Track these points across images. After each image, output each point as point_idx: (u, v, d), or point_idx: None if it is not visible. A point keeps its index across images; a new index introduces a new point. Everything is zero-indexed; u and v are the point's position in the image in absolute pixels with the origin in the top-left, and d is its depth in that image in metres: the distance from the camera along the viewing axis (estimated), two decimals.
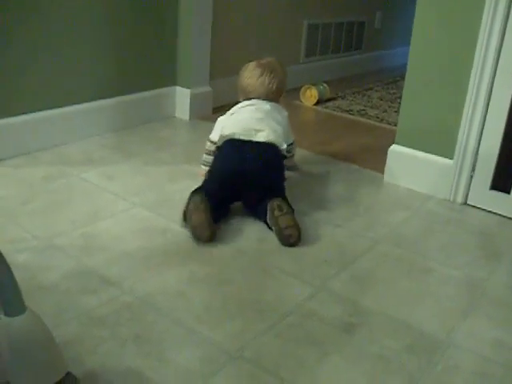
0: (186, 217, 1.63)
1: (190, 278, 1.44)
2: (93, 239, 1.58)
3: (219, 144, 1.88)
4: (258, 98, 1.99)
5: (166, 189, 1.94)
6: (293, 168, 2.16)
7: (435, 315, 1.39)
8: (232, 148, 1.82)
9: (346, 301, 1.41)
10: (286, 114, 2.01)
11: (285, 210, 1.65)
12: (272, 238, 1.67)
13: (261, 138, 1.82)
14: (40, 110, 2.16)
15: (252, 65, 2.08)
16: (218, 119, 2.01)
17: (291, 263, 1.55)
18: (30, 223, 1.65)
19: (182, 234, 1.65)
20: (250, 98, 2.01)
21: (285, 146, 1.88)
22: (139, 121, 2.54)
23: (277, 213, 1.65)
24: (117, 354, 1.16)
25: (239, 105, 2.01)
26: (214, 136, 1.94)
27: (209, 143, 1.98)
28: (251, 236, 1.68)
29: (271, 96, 2.01)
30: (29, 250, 1.51)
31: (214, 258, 1.54)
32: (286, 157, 1.93)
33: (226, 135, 1.84)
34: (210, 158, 1.93)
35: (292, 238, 1.64)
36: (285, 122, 1.97)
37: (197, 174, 2.00)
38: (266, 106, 1.95)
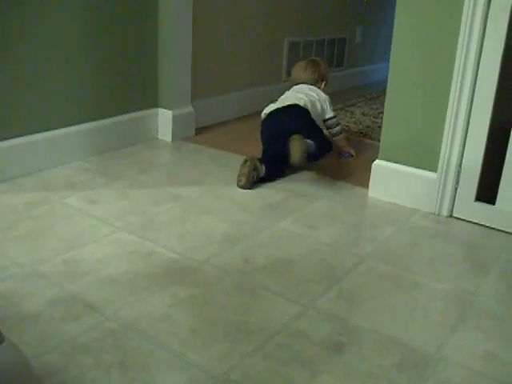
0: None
1: (174, 301, 1.42)
2: (76, 265, 1.56)
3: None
4: (302, 83, 2.59)
5: (150, 212, 1.92)
6: (345, 153, 2.62)
7: (425, 330, 1.38)
8: (269, 115, 2.42)
9: (335, 319, 1.39)
10: (324, 96, 2.56)
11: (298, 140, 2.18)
12: (257, 257, 1.65)
13: (288, 102, 2.40)
14: (22, 135, 2.14)
15: (300, 61, 2.75)
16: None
17: (277, 282, 1.54)
18: (12, 250, 1.62)
19: (166, 256, 1.63)
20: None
21: (315, 117, 2.42)
22: (122, 144, 2.53)
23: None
24: (102, 381, 1.14)
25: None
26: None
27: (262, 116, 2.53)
28: (236, 256, 1.66)
29: (311, 82, 2.61)
30: (11, 278, 1.48)
31: (199, 280, 1.52)
32: (328, 128, 2.57)
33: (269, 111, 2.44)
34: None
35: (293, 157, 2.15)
36: (321, 100, 2.52)
37: (180, 196, 1.98)
38: (306, 88, 2.54)
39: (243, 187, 2.15)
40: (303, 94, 2.47)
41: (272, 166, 2.25)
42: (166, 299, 1.42)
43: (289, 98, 2.46)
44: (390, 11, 4.42)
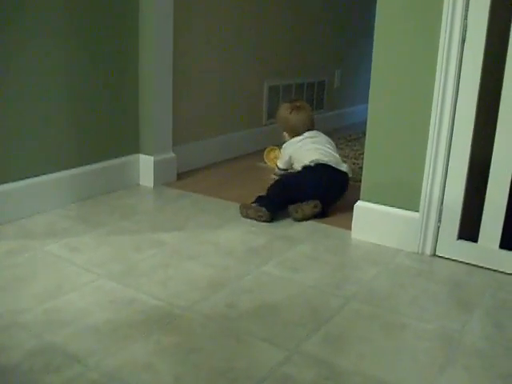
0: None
1: (157, 349, 1.39)
2: (57, 314, 1.53)
3: (298, 167, 2.55)
4: (309, 130, 2.67)
5: (132, 258, 1.90)
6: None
7: (413, 371, 1.36)
8: (324, 168, 2.44)
9: (321, 363, 1.37)
10: None
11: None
12: (241, 302, 1.63)
13: (343, 168, 2.47)
14: (1, 183, 2.12)
15: (289, 106, 2.75)
16: (285, 151, 2.70)
17: (262, 327, 1.52)
18: None
19: (148, 303, 1.60)
20: (299, 133, 2.66)
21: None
22: (103, 190, 2.52)
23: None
24: None
25: (299, 138, 2.64)
26: (284, 164, 2.72)
27: (278, 171, 2.77)
28: (220, 302, 1.64)
29: (314, 127, 2.72)
30: None
31: (183, 327, 1.50)
32: None
33: (312, 160, 2.46)
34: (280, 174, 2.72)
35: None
36: None
37: (162, 242, 1.96)
38: (321, 135, 2.66)
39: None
40: (332, 150, 2.56)
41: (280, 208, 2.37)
42: (148, 347, 1.39)
43: (325, 151, 2.52)
44: (367, 55, 4.51)
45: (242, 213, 2.34)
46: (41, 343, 1.40)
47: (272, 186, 2.43)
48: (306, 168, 2.49)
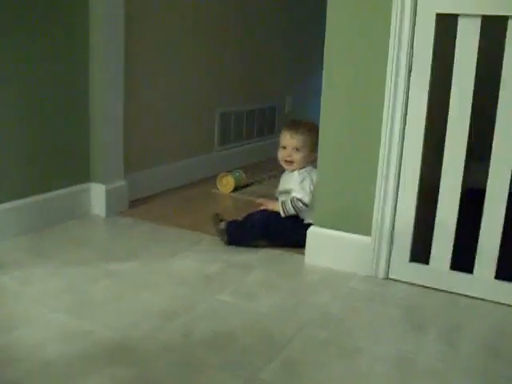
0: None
1: (113, 383, 1.37)
2: (9, 350, 1.49)
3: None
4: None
5: (85, 290, 1.87)
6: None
7: None
8: None
9: None
10: None
11: None
12: (197, 331, 1.63)
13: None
14: None
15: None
16: (308, 181, 2.33)
17: (219, 356, 1.51)
18: None
19: (103, 335, 1.58)
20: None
21: None
22: (54, 220, 2.47)
23: None
24: None
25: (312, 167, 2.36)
26: (308, 197, 2.29)
27: (301, 205, 2.29)
28: (175, 331, 1.63)
29: None
30: None
31: (139, 358, 1.48)
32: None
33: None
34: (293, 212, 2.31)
35: None
36: None
37: (115, 272, 1.94)
38: None
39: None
40: None
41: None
42: (104, 382, 1.37)
43: None
44: (318, 80, 4.57)
45: (212, 218, 2.36)
46: None
47: (255, 224, 2.30)
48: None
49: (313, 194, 2.26)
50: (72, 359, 1.46)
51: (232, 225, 2.32)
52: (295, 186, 2.32)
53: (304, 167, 2.37)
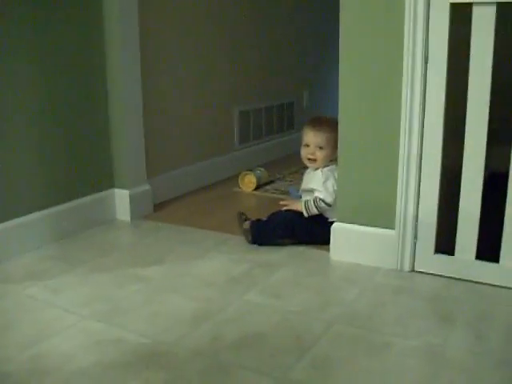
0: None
1: None
2: (42, 361, 1.52)
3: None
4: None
5: (115, 296, 1.90)
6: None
7: None
8: None
9: None
10: None
11: None
12: (227, 333, 1.65)
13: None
14: None
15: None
16: (331, 181, 2.32)
17: (249, 357, 1.53)
18: None
19: (135, 341, 1.61)
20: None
21: None
22: (80, 228, 2.51)
23: None
24: None
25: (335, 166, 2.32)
26: (332, 198, 2.29)
27: (324, 205, 2.30)
28: (205, 335, 1.65)
29: None
30: None
31: (171, 363, 1.51)
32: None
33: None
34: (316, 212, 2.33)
35: None
36: None
37: (144, 277, 1.97)
38: None
39: None
40: None
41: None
42: None
43: None
44: (334, 74, 4.57)
45: (237, 218, 2.41)
46: None
47: (279, 224, 2.33)
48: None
49: (336, 193, 2.25)
50: (106, 367, 1.49)
51: (256, 224, 2.34)
52: (318, 186, 2.33)
53: (327, 166, 2.36)
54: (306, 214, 2.31)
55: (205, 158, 3.33)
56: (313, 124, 2.41)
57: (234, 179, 3.28)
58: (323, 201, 2.29)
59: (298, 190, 2.57)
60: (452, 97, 1.92)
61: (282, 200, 2.53)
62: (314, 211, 2.31)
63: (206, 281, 2.01)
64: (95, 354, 1.55)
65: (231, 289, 1.95)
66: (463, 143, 1.89)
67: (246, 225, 2.34)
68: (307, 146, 2.40)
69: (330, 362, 1.51)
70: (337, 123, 2.16)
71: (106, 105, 2.60)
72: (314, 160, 2.37)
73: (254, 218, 2.38)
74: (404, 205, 2.00)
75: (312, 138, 2.38)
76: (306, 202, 2.33)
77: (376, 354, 1.54)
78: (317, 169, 2.38)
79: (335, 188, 2.27)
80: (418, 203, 1.99)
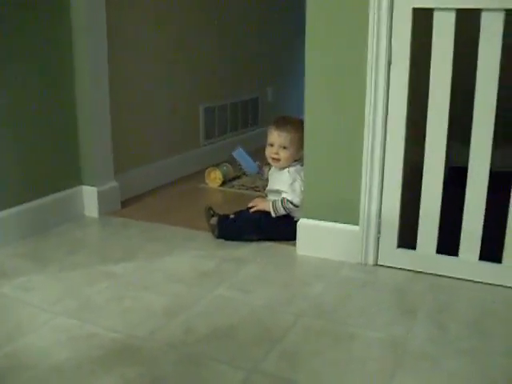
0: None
1: (122, 382, 1.43)
2: (18, 358, 1.55)
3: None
4: None
5: (86, 293, 1.92)
6: None
7: (365, 380, 1.45)
8: None
9: (280, 380, 1.45)
10: None
11: None
12: (198, 327, 1.69)
13: None
14: None
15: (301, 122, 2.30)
16: (298, 182, 2.36)
17: (220, 350, 1.58)
18: None
19: (108, 337, 1.64)
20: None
21: None
22: (49, 225, 2.52)
23: None
24: None
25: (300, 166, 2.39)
26: (299, 198, 2.32)
27: (291, 206, 2.34)
28: (177, 328, 1.69)
29: None
30: None
31: (144, 357, 1.55)
32: None
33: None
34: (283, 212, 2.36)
35: None
36: None
37: (114, 274, 2.00)
38: None
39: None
40: None
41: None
42: (113, 381, 1.43)
43: None
44: (297, 70, 4.63)
45: (205, 212, 2.44)
46: None
47: (247, 223, 2.38)
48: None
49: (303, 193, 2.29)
50: (80, 362, 1.52)
51: (223, 221, 2.39)
52: (286, 188, 2.37)
53: (293, 165, 2.41)
54: (273, 215, 2.36)
55: (171, 155, 3.36)
56: (277, 124, 2.44)
57: (200, 175, 3.32)
58: (291, 202, 2.33)
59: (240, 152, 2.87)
60: (414, 97, 1.99)
61: (250, 204, 2.48)
62: (282, 212, 2.35)
63: (175, 276, 2.05)
64: (69, 350, 1.58)
65: (201, 284, 1.99)
66: (425, 141, 1.97)
67: (214, 220, 2.39)
68: (271, 145, 2.43)
69: (299, 353, 1.58)
70: (301, 123, 2.21)
71: (73, 103, 2.60)
72: (278, 160, 2.41)
73: (221, 213, 2.42)
74: (368, 201, 2.07)
75: (276, 138, 2.41)
76: (274, 203, 2.37)
77: (342, 345, 1.61)
78: (282, 169, 2.43)
79: (302, 189, 2.31)
80: (381, 200, 2.06)
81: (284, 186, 2.38)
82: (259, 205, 2.43)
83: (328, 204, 2.16)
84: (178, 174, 3.38)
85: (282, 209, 2.35)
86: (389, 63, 1.93)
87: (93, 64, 2.60)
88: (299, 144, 2.31)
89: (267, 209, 2.38)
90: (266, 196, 2.53)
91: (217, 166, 3.28)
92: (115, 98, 2.80)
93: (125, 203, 2.88)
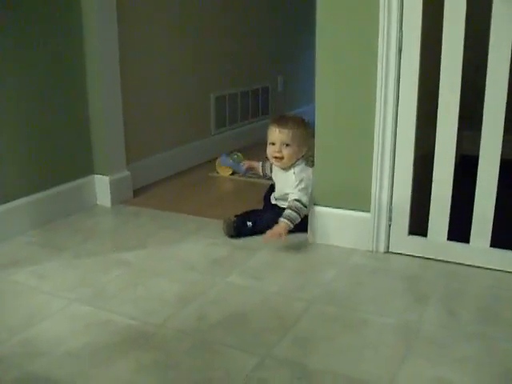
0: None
1: (137, 367, 1.45)
2: (33, 344, 1.57)
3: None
4: None
5: (100, 280, 1.95)
6: None
7: (377, 364, 1.46)
8: None
9: (293, 365, 1.46)
10: None
11: None
12: (211, 314, 1.71)
13: None
14: None
15: (302, 120, 2.33)
16: (306, 182, 2.28)
17: (233, 336, 1.60)
18: None
19: (123, 323, 1.66)
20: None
21: None
22: (62, 214, 2.54)
23: None
24: None
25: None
26: (307, 199, 2.24)
27: (301, 205, 2.23)
28: (190, 315, 1.71)
29: None
30: None
31: (159, 343, 1.57)
32: None
33: None
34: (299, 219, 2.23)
35: None
36: None
37: (127, 262, 2.02)
38: None
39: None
40: None
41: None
42: (128, 366, 1.46)
43: None
44: (307, 59, 4.63)
45: (227, 223, 2.30)
46: (21, 374, 1.44)
47: (264, 229, 2.21)
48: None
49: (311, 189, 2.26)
50: (96, 348, 1.54)
51: (240, 228, 2.31)
52: (293, 189, 2.27)
53: (297, 165, 2.32)
54: (292, 226, 2.20)
55: (182, 144, 3.37)
56: (277, 122, 2.35)
57: (210, 164, 3.33)
58: (299, 200, 2.22)
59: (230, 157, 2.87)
60: (425, 84, 1.99)
61: (266, 237, 2.19)
62: (298, 218, 2.21)
63: (188, 264, 2.07)
64: (85, 336, 1.60)
65: (213, 271, 2.01)
66: (436, 129, 1.97)
67: (230, 225, 2.31)
68: (273, 144, 2.34)
69: (311, 339, 1.59)
70: (302, 120, 2.24)
71: (85, 93, 2.62)
72: (281, 158, 2.32)
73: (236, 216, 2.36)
74: (379, 189, 2.08)
75: (277, 136, 2.31)
76: (288, 217, 2.20)
77: (354, 331, 1.62)
78: (287, 169, 2.35)
79: (310, 190, 2.26)
80: (392, 187, 2.07)
81: (291, 188, 2.29)
82: (276, 230, 2.18)
83: (339, 191, 2.16)
84: (189, 163, 3.40)
85: (295, 215, 2.21)
86: (399, 49, 1.93)
87: (104, 56, 2.62)
88: (301, 140, 2.28)
89: (286, 231, 2.18)
90: (276, 199, 2.45)
91: (227, 154, 3.29)
92: (127, 88, 2.81)
93: (137, 192, 2.90)
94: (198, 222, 2.48)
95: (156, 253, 2.17)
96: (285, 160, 2.32)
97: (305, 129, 2.28)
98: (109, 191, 2.72)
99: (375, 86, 2.00)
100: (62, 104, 2.52)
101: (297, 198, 2.24)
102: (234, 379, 1.40)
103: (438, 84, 1.92)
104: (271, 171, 2.53)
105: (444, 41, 1.88)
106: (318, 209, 2.22)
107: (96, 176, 2.74)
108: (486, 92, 1.86)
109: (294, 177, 2.31)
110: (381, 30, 1.94)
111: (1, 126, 2.27)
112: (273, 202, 2.45)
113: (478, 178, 1.93)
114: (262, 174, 2.62)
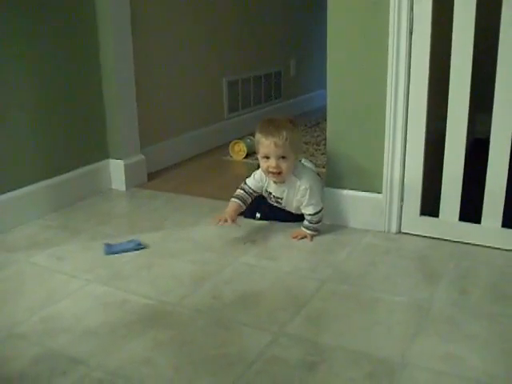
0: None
1: (154, 345, 1.49)
2: (53, 322, 1.61)
3: None
4: None
5: (116, 261, 1.98)
6: None
7: (388, 341, 1.49)
8: None
9: (305, 341, 1.49)
10: None
11: None
12: (225, 293, 1.75)
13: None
14: None
15: (289, 119, 2.14)
16: (316, 187, 2.17)
17: (247, 314, 1.63)
18: None
19: (140, 303, 1.70)
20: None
21: None
22: (77, 198, 2.58)
23: None
24: None
25: (309, 163, 2.32)
26: (319, 201, 2.17)
27: (319, 214, 2.17)
28: (205, 295, 1.75)
29: None
30: None
31: (174, 321, 1.60)
32: None
33: None
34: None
35: None
36: None
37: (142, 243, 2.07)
38: None
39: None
40: None
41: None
42: (145, 344, 1.49)
43: None
44: (320, 43, 4.62)
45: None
46: (43, 350, 1.48)
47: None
48: None
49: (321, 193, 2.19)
50: (113, 326, 1.58)
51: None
52: (305, 202, 2.14)
53: (296, 173, 2.14)
54: (316, 233, 2.17)
55: (195, 128, 3.40)
56: (268, 131, 2.07)
57: (224, 148, 3.36)
58: (316, 213, 2.14)
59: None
60: (436, 65, 2.00)
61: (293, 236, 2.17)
62: (319, 226, 2.17)
63: (202, 245, 2.10)
64: (103, 315, 1.64)
65: (227, 252, 2.04)
66: (447, 110, 1.98)
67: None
68: (266, 157, 2.09)
69: (324, 317, 1.62)
70: (291, 121, 2.09)
71: (99, 77, 2.65)
72: (279, 173, 2.09)
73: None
74: (390, 169, 2.10)
75: (272, 149, 2.05)
76: (310, 228, 2.15)
77: (366, 309, 1.65)
78: (287, 183, 2.16)
79: (321, 195, 2.18)
80: (403, 168, 2.08)
81: (303, 202, 2.15)
82: (302, 233, 2.17)
83: (351, 172, 2.18)
84: (202, 146, 3.43)
85: (316, 225, 2.16)
86: (410, 32, 1.94)
87: (118, 42, 2.65)
88: (297, 147, 2.12)
89: (308, 235, 2.16)
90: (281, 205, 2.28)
91: (241, 138, 3.32)
92: (141, 73, 2.84)
93: (151, 176, 2.93)
94: (212, 205, 2.51)
95: (171, 234, 2.21)
96: (284, 174, 2.10)
97: (297, 131, 2.13)
98: (123, 175, 2.75)
99: (386, 68, 2.01)
100: (76, 89, 2.55)
101: (312, 212, 2.14)
102: (248, 355, 1.44)
103: (450, 64, 1.94)
104: (267, 185, 2.24)
105: (455, 23, 1.89)
106: (331, 190, 2.24)
107: (111, 160, 2.77)
108: (497, 74, 1.87)
109: (301, 191, 2.14)
110: (391, 9, 1.95)
111: (20, 114, 2.31)
112: (274, 204, 2.28)
113: (489, 159, 1.94)
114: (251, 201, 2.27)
